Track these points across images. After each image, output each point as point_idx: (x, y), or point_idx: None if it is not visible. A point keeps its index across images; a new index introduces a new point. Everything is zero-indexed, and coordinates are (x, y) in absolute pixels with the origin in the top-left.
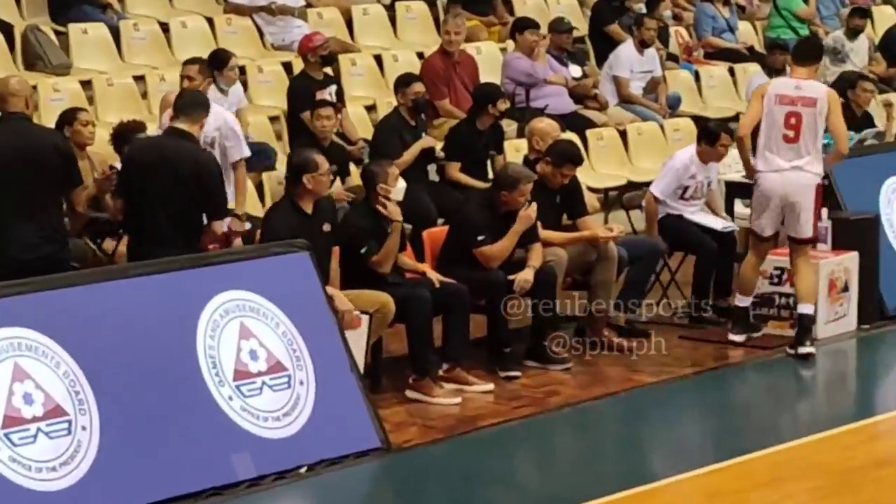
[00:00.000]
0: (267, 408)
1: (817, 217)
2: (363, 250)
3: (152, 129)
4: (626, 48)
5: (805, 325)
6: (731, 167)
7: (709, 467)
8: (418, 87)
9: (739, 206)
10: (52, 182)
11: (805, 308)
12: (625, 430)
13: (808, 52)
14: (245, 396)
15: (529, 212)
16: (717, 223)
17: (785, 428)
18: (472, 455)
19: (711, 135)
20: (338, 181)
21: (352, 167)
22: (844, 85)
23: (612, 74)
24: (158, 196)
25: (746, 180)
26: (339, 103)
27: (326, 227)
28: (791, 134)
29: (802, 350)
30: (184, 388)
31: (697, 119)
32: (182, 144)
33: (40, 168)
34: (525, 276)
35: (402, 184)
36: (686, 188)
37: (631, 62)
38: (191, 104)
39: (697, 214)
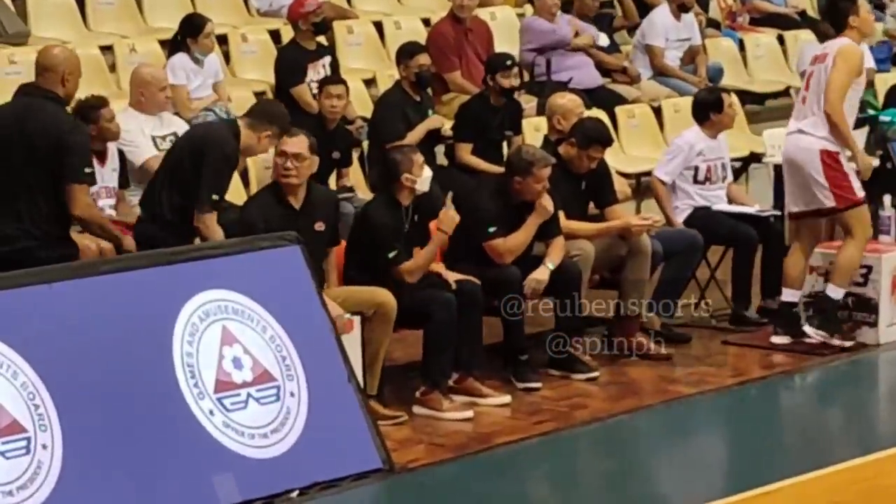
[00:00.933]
0: (253, 423)
1: (836, 185)
2: (391, 255)
3: (119, 107)
4: (661, 13)
5: (827, 310)
6: (777, 149)
7: (755, 491)
8: (423, 59)
9: None
10: (42, 172)
11: (831, 291)
12: (659, 448)
13: (833, 14)
14: (228, 410)
15: (546, 203)
16: (752, 208)
17: (843, 446)
18: (486, 477)
19: (715, 103)
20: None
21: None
22: None
23: (645, 43)
24: (165, 172)
25: None
26: (335, 76)
27: (320, 226)
28: (805, 95)
29: (809, 330)
30: (158, 401)
31: (739, 93)
32: (210, 123)
33: (31, 155)
34: (538, 277)
35: (427, 172)
36: (697, 169)
37: (666, 29)
38: (261, 112)
39: (725, 203)
